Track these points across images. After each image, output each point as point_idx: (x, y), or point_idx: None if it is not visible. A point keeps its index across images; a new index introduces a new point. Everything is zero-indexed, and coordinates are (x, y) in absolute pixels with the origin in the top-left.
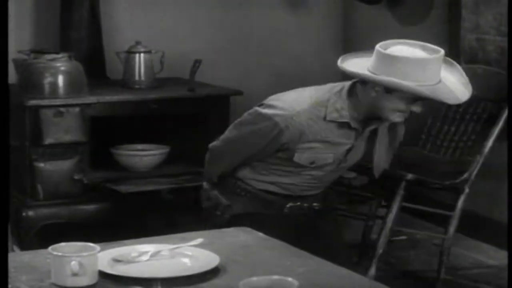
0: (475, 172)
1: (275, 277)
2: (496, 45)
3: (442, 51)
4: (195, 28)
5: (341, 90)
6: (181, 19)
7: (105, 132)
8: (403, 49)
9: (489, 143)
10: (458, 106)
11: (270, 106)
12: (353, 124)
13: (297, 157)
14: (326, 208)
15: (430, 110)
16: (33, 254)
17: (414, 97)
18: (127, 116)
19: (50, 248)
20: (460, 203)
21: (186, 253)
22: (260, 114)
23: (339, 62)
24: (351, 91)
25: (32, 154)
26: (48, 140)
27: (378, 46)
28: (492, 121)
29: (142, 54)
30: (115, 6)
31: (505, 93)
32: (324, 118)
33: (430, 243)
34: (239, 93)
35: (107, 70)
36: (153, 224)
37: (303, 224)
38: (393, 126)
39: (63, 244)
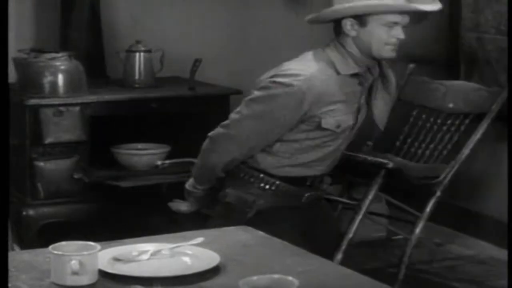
0: (449, 177)
1: (276, 276)
2: (496, 44)
3: None
4: (195, 27)
5: (333, 46)
6: (181, 18)
7: (105, 131)
8: None
9: (467, 150)
10: (436, 117)
11: (285, 75)
12: (362, 72)
13: (324, 123)
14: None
15: (405, 119)
16: (33, 253)
17: (391, 21)
18: (127, 115)
19: (50, 247)
20: (430, 205)
21: (187, 252)
22: (279, 82)
23: (307, 18)
24: (337, 47)
25: (32, 153)
26: (48, 139)
27: None
28: (469, 133)
29: (142, 53)
30: (115, 6)
31: (485, 108)
32: (338, 73)
33: (431, 242)
34: (239, 92)
35: (107, 69)
36: (154, 222)
37: (319, 215)
38: (385, 81)
39: (63, 243)
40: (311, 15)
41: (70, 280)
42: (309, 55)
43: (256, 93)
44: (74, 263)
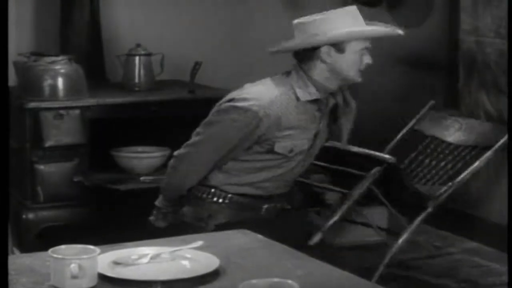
0: (444, 197)
1: (275, 279)
2: (495, 47)
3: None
4: (195, 30)
5: (295, 73)
6: (181, 22)
7: (105, 134)
8: (323, 13)
9: (467, 176)
10: (445, 147)
11: (243, 99)
12: (322, 98)
13: (277, 147)
14: (295, 208)
15: (414, 147)
16: (33, 257)
17: (364, 47)
18: (127, 118)
19: (50, 250)
20: (419, 219)
21: (186, 256)
22: (236, 107)
23: (272, 49)
24: (299, 74)
25: (32, 156)
26: (48, 143)
27: (298, 21)
28: (470, 163)
29: (142, 57)
30: (115, 9)
31: (492, 141)
32: (298, 99)
33: (430, 244)
34: None
35: (107, 72)
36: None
37: (281, 226)
38: (346, 104)
39: (63, 246)
40: (278, 47)
41: (70, 284)
42: (271, 79)
43: (214, 116)
44: (73, 267)
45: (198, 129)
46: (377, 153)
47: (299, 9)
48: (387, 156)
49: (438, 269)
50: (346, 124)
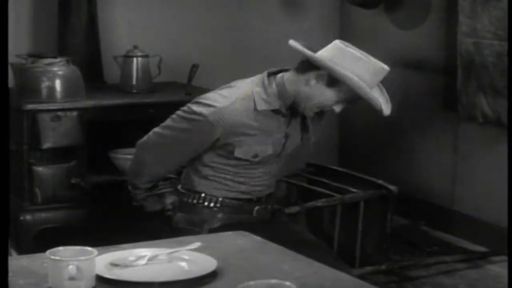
0: None
1: (273, 281)
2: (493, 49)
3: (388, 68)
4: (192, 32)
5: (262, 80)
6: (178, 24)
7: (103, 136)
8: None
9: None
10: None
11: (198, 103)
12: (283, 110)
13: (237, 152)
14: (284, 208)
15: None
16: (31, 258)
17: (348, 99)
18: (124, 120)
19: (47, 252)
20: None
21: (184, 257)
22: (191, 110)
23: (294, 44)
24: (274, 80)
25: (30, 158)
26: (46, 144)
27: (338, 41)
28: None
29: (139, 59)
30: (112, 11)
31: None
32: (255, 109)
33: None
34: None
35: (104, 74)
36: (151, 227)
37: (278, 229)
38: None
39: (60, 248)
40: (302, 45)
41: (68, 285)
42: (237, 84)
43: (177, 113)
44: (71, 268)
45: (166, 120)
46: (384, 183)
47: (296, 13)
48: (392, 186)
49: None
50: (314, 134)
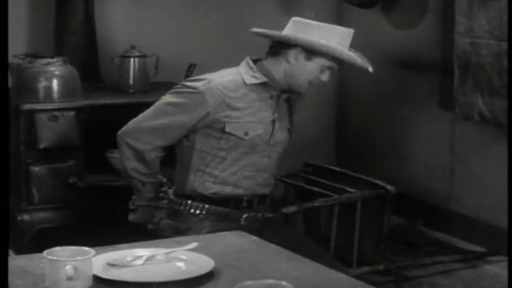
0: None
1: (270, 281)
2: (490, 49)
3: (353, 30)
4: (189, 32)
5: (246, 62)
6: (175, 24)
7: (100, 136)
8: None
9: None
10: None
11: (192, 80)
12: (271, 84)
13: (228, 127)
14: (276, 216)
15: None
16: (28, 258)
17: (331, 66)
18: (121, 120)
19: (45, 252)
20: None
21: (181, 257)
22: (184, 85)
23: (256, 30)
24: (248, 63)
25: (27, 158)
26: (43, 144)
27: (296, 18)
28: None
29: (136, 58)
30: (109, 11)
31: None
32: (244, 83)
33: (426, 246)
34: None
35: (101, 74)
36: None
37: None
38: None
39: (58, 248)
40: (263, 30)
41: (65, 285)
42: (227, 69)
43: (166, 95)
44: (68, 268)
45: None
46: (382, 183)
47: (293, 11)
48: (389, 186)
49: None
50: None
